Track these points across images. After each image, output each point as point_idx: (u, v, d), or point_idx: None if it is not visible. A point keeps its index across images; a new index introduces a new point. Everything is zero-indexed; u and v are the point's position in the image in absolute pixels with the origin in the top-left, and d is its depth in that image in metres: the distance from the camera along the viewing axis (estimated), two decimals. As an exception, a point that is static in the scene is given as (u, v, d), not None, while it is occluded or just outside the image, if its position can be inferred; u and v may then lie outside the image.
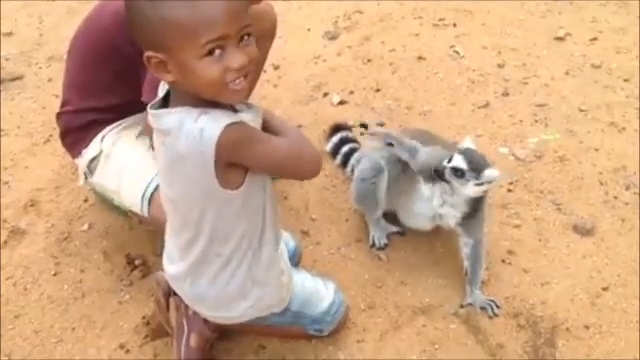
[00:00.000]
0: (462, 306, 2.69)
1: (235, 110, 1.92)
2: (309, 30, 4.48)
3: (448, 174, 2.55)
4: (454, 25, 4.39)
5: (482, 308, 2.66)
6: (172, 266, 2.22)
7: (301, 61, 4.18)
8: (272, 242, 2.15)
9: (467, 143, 2.64)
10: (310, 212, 3.14)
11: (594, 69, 3.90)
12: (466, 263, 2.74)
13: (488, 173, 2.52)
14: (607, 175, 3.20)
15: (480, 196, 2.65)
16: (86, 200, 3.24)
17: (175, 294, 2.36)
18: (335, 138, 3.40)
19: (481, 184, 2.55)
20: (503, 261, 2.85)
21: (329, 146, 3.40)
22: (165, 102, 1.92)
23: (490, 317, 2.63)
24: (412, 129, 3.24)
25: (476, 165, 2.52)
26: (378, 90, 3.88)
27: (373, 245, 2.96)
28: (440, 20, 4.45)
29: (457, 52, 4.13)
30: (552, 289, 2.73)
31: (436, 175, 2.60)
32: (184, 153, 1.79)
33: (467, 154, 2.55)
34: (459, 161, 2.53)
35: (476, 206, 2.67)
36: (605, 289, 2.70)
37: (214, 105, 1.80)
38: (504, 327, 2.60)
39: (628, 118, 3.53)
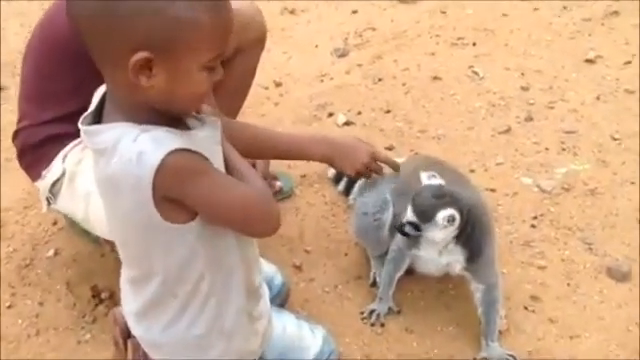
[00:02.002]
0: (476, 360, 2.29)
1: (186, 127, 1.58)
2: (317, 47, 4.13)
3: (409, 230, 2.22)
4: (474, 44, 4.03)
5: (500, 363, 2.26)
6: (126, 304, 1.84)
7: (306, 78, 3.83)
8: (243, 291, 1.75)
9: (424, 179, 2.30)
10: (305, 243, 2.77)
11: (627, 94, 3.52)
12: (480, 310, 2.35)
13: (441, 216, 2.16)
14: (646, 212, 2.80)
15: (478, 234, 2.27)
16: (55, 223, 2.89)
17: (135, 334, 1.98)
18: (339, 162, 3.01)
19: (445, 226, 2.18)
20: (526, 308, 2.46)
21: (332, 171, 3.02)
22: (98, 116, 1.59)
23: (509, 375, 2.23)
24: (422, 156, 2.88)
25: (425, 214, 2.18)
26: (388, 111, 3.52)
27: (374, 284, 2.57)
28: (459, 39, 4.10)
29: (476, 73, 3.76)
30: (583, 343, 2.33)
31: (400, 233, 2.26)
32: (117, 178, 1.47)
33: (416, 201, 2.22)
34: (409, 214, 2.21)
35: (477, 246, 2.29)
36: (647, 345, 2.29)
37: (161, 121, 1.50)
38: (525, 387, 2.19)
39: (671, 149, 3.13)
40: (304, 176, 3.11)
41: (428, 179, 2.30)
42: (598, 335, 2.36)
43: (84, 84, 2.23)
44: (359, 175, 2.59)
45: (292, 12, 4.49)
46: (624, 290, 2.51)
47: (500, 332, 2.36)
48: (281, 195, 2.99)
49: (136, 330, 1.83)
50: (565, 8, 4.34)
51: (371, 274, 2.61)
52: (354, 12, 4.45)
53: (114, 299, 2.51)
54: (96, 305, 2.54)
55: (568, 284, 2.55)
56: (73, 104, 2.27)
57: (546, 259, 2.65)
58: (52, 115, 2.33)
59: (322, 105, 3.59)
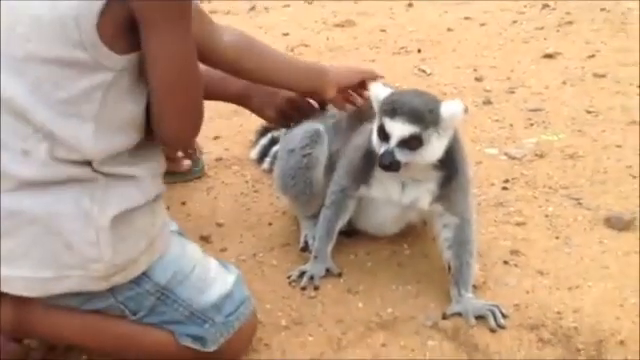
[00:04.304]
0: (445, 316, 1.65)
1: None
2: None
3: (401, 155, 1.61)
4: (418, 51, 3.59)
5: (479, 317, 1.62)
6: None
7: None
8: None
9: (377, 89, 1.73)
10: (217, 217, 2.14)
11: (597, 78, 3.09)
12: (448, 254, 1.75)
13: (446, 110, 1.64)
14: (640, 169, 2.28)
15: (455, 147, 1.73)
16: None
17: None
18: (264, 140, 2.50)
19: (446, 129, 1.65)
20: (506, 262, 1.88)
21: (256, 150, 2.52)
22: None
23: (493, 330, 1.59)
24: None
25: (427, 114, 1.62)
26: (324, 106, 2.97)
27: (305, 248, 1.94)
28: (401, 48, 3.67)
29: (424, 71, 3.30)
30: (586, 293, 1.74)
31: (388, 169, 1.64)
32: None
33: (405, 107, 1.62)
34: (400, 128, 1.61)
35: (455, 163, 1.73)
36: (670, 289, 1.70)
37: None
38: (518, 343, 1.58)
39: (655, 118, 2.66)
40: (219, 159, 2.53)
41: (383, 89, 1.74)
42: (605, 284, 1.77)
43: None
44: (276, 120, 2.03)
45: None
46: (631, 238, 1.94)
47: (475, 287, 1.74)
48: (190, 175, 2.39)
49: None
50: (515, 22, 3.98)
51: (301, 238, 1.98)
52: (285, 34, 4.01)
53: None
54: None
55: (557, 237, 1.99)
56: None
57: (524, 216, 2.10)
58: None
59: (245, 103, 3.04)
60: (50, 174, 1.26)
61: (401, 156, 1.61)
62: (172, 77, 1.29)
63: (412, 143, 1.61)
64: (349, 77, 1.83)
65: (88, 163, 1.28)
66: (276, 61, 1.78)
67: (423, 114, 1.61)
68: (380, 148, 1.63)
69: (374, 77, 1.84)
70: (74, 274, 1.29)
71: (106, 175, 1.31)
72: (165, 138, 1.37)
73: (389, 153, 1.60)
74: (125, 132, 1.32)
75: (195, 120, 1.38)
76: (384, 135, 1.63)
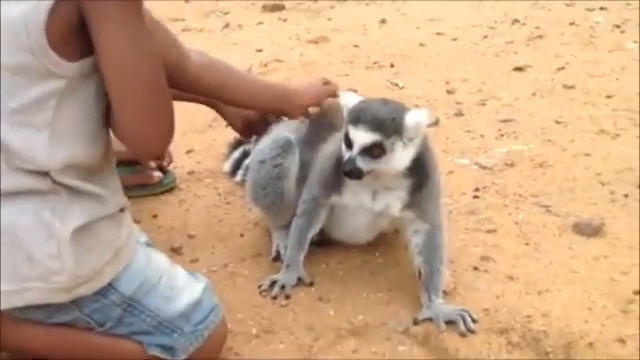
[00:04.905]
0: (416, 322, 1.66)
1: None
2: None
3: (363, 162, 1.63)
4: (391, 65, 3.62)
5: (449, 322, 1.63)
6: None
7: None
8: None
9: (348, 98, 1.75)
10: (188, 229, 2.14)
11: (567, 89, 3.14)
12: (418, 260, 1.76)
13: (410, 119, 1.64)
14: (609, 175, 2.35)
15: (425, 153, 1.75)
16: None
17: None
18: (236, 153, 2.52)
19: (411, 138, 1.65)
20: (476, 268, 1.90)
21: (228, 163, 2.52)
22: None
23: (463, 335, 1.60)
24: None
25: (390, 123, 1.62)
26: (295, 119, 2.98)
27: (277, 258, 1.94)
28: (374, 63, 3.69)
29: (396, 84, 3.33)
30: (555, 297, 1.75)
31: (351, 177, 1.66)
32: None
33: (369, 115, 1.63)
34: (363, 136, 1.62)
35: (425, 170, 1.75)
36: (638, 292, 1.71)
37: None
38: (487, 347, 1.59)
39: (622, 126, 2.73)
40: (192, 172, 2.53)
41: (350, 96, 1.76)
42: (574, 288, 1.79)
43: None
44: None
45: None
46: (600, 244, 1.97)
47: (445, 292, 1.75)
48: (161, 187, 2.39)
49: None
50: (486, 37, 4.03)
51: (273, 248, 1.98)
52: (259, 50, 4.03)
53: None
54: None
55: (526, 244, 2.01)
56: None
57: (494, 223, 2.12)
58: None
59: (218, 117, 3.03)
60: (11, 184, 1.25)
61: (363, 164, 1.62)
62: (126, 72, 1.22)
63: (374, 151, 1.62)
64: (316, 98, 1.85)
65: (47, 174, 1.27)
66: (239, 81, 1.80)
67: (385, 122, 1.62)
68: (345, 155, 1.64)
69: (336, 92, 1.86)
70: (35, 286, 1.28)
71: (68, 188, 1.29)
72: (129, 146, 1.32)
73: (351, 161, 1.61)
74: (84, 141, 1.30)
75: (161, 124, 1.30)
76: (349, 143, 1.64)
